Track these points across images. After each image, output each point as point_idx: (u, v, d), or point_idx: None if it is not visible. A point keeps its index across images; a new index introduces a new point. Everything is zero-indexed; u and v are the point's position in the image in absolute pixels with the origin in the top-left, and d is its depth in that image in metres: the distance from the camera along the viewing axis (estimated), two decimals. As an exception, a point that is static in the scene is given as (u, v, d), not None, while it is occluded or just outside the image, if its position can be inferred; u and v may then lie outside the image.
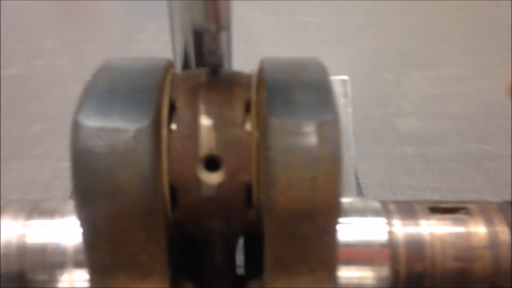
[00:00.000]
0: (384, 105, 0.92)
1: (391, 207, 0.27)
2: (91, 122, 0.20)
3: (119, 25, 1.28)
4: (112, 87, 0.22)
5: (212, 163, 0.21)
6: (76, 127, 0.20)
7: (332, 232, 0.21)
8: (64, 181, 0.75)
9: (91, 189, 0.20)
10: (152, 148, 0.20)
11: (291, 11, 1.43)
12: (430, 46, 1.19)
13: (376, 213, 0.26)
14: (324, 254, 0.22)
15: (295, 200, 0.20)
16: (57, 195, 0.72)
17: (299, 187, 0.20)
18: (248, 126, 0.22)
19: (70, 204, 0.27)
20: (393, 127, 0.85)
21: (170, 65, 0.24)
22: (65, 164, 0.78)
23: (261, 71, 0.23)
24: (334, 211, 0.21)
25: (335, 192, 0.20)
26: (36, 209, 0.26)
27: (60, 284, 0.25)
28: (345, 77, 0.32)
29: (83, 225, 0.21)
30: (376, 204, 0.27)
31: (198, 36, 0.34)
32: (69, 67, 1.09)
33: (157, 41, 1.18)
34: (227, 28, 0.21)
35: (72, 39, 1.21)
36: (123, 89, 0.22)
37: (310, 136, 0.20)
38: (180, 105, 0.22)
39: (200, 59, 0.35)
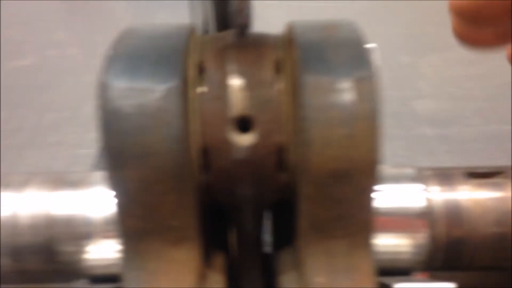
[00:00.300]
0: (402, 87, 0.90)
1: (427, 173, 0.26)
2: (120, 82, 0.20)
3: (129, 15, 1.28)
4: (138, 49, 0.21)
5: (243, 124, 0.21)
6: (104, 87, 0.20)
7: (369, 194, 0.21)
8: (80, 167, 0.75)
9: (121, 151, 0.20)
10: (182, 108, 0.20)
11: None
12: (446, 28, 1.17)
13: (412, 179, 0.25)
14: (361, 217, 0.21)
15: (331, 159, 0.20)
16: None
17: (336, 145, 0.19)
18: (280, 86, 0.21)
19: (94, 176, 0.27)
20: (412, 109, 0.84)
21: (193, 28, 0.24)
22: (81, 151, 0.78)
23: (290, 31, 0.22)
24: (372, 171, 0.20)
25: (373, 150, 0.20)
26: (60, 180, 0.26)
27: (87, 255, 0.25)
28: (373, 45, 0.31)
29: (114, 189, 0.21)
30: (412, 171, 0.26)
31: (219, 5, 0.33)
32: (81, 57, 1.09)
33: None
34: (258, -17, 0.20)
35: (82, 30, 1.21)
36: (149, 51, 0.21)
37: (346, 93, 0.19)
38: (209, 67, 0.21)
39: (220, 29, 0.35)
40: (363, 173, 0.20)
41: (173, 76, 0.20)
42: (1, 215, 0.25)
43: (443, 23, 1.25)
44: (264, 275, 0.28)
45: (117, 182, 0.21)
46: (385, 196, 0.25)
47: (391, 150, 0.74)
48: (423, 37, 1.12)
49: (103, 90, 0.20)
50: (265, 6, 1.33)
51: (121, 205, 0.21)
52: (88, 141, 0.80)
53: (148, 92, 0.19)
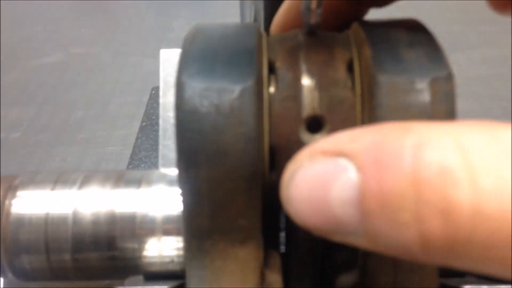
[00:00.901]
0: (427, 87, 0.90)
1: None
2: (196, 82, 0.20)
3: (152, 13, 1.28)
4: (211, 49, 0.21)
5: (314, 124, 0.21)
6: (181, 87, 0.20)
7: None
8: (109, 164, 0.76)
9: (195, 150, 0.20)
10: (256, 108, 0.20)
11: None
12: (471, 27, 1.16)
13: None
14: None
15: None
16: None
17: None
18: (351, 86, 0.21)
19: (155, 174, 0.27)
20: (438, 109, 0.83)
21: (260, 28, 0.24)
22: (109, 149, 0.79)
23: (358, 30, 0.22)
24: None
25: None
26: (122, 178, 0.26)
27: (149, 252, 0.25)
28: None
29: (184, 187, 0.21)
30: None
31: (269, 5, 0.33)
32: (105, 55, 1.10)
33: (191, 28, 1.19)
34: (330, -16, 0.20)
35: (107, 28, 1.21)
36: (222, 51, 0.21)
37: (423, 93, 0.19)
38: (280, 66, 0.21)
39: (269, 26, 0.35)
40: None
41: (248, 76, 0.20)
42: (63, 211, 0.26)
43: (468, 22, 1.24)
44: (316, 275, 0.28)
45: (188, 181, 0.21)
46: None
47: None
48: (448, 36, 1.11)
49: (179, 90, 0.20)
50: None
51: (190, 204, 0.22)
52: (116, 138, 0.81)
53: (224, 92, 0.20)
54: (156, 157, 0.54)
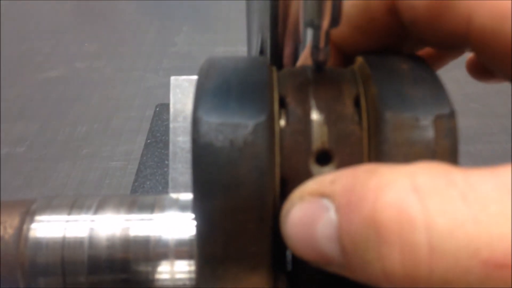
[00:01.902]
0: (426, 103, 0.91)
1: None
2: (211, 118, 0.21)
3: (154, 28, 1.30)
4: (224, 84, 0.23)
5: (323, 157, 0.22)
6: (197, 122, 0.21)
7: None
8: (113, 180, 0.77)
9: (210, 182, 0.21)
10: (269, 142, 0.21)
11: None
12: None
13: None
14: None
15: None
16: (108, 193, 0.73)
17: None
18: (358, 121, 0.22)
19: (167, 199, 0.28)
20: (437, 126, 0.84)
21: (269, 61, 0.25)
22: (113, 164, 0.80)
23: (363, 66, 0.24)
24: None
25: None
26: (135, 203, 0.27)
27: (161, 275, 0.26)
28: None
29: (199, 217, 0.22)
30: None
31: (276, 35, 0.34)
32: (108, 69, 1.11)
33: (193, 43, 1.20)
34: (339, 24, 0.22)
35: (110, 42, 1.23)
36: (235, 86, 0.22)
37: (427, 130, 0.20)
38: (290, 101, 0.23)
39: (276, 58, 0.36)
40: None
41: (261, 111, 0.21)
42: (79, 235, 0.26)
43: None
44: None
45: (203, 210, 0.22)
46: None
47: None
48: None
49: (195, 125, 0.21)
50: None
51: (203, 232, 0.23)
52: (119, 153, 0.82)
53: (239, 127, 0.21)
54: (161, 174, 0.55)
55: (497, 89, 0.97)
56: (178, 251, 0.26)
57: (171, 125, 0.33)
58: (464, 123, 0.85)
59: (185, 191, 0.28)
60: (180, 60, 1.13)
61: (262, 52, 0.36)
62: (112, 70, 1.08)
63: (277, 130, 0.22)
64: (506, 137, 0.82)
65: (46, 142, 0.85)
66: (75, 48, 1.19)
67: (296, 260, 0.29)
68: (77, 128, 0.88)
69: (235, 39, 1.19)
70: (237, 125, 0.21)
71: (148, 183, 0.54)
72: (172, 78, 0.34)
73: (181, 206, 0.27)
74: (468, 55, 0.29)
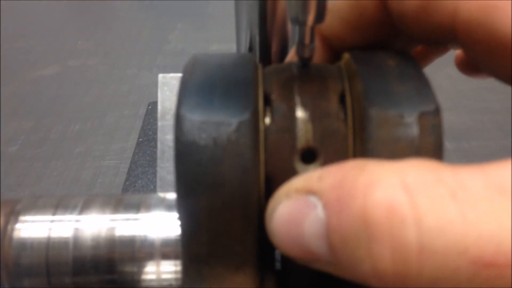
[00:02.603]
0: (420, 100, 0.91)
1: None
2: (194, 115, 0.21)
3: (149, 25, 1.29)
4: (208, 82, 0.22)
5: (308, 155, 0.22)
6: (180, 120, 0.21)
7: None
8: (106, 179, 0.76)
9: (194, 181, 0.21)
10: (253, 140, 0.21)
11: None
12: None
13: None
14: None
15: None
16: (100, 192, 0.73)
17: None
18: (343, 118, 0.22)
19: (153, 198, 0.28)
20: (431, 122, 0.84)
21: (256, 59, 0.25)
22: (106, 163, 0.79)
23: (349, 62, 0.23)
24: None
25: None
26: (121, 203, 0.27)
27: (147, 276, 0.26)
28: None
29: (183, 216, 0.22)
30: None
31: (264, 31, 0.34)
32: (102, 68, 1.10)
33: (188, 40, 1.19)
34: (323, 20, 0.21)
35: (104, 40, 1.22)
36: (219, 83, 0.22)
37: (412, 127, 0.20)
38: (275, 98, 0.22)
39: (264, 55, 0.36)
40: None
41: (245, 109, 0.21)
42: (64, 235, 0.26)
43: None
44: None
45: (187, 209, 0.22)
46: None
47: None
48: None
49: (178, 123, 0.21)
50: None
51: (188, 231, 0.22)
52: (113, 152, 0.81)
53: (222, 125, 0.20)
54: (153, 173, 0.54)
55: (491, 85, 0.97)
56: (164, 251, 0.26)
57: (159, 123, 0.33)
58: (457, 119, 0.85)
59: (173, 190, 0.28)
60: (174, 57, 1.12)
61: (251, 49, 0.36)
62: (105, 68, 1.08)
63: (261, 127, 0.22)
64: (499, 134, 0.82)
65: (39, 140, 0.84)
66: (68, 46, 1.18)
67: (285, 258, 0.28)
68: (70, 127, 0.88)
69: (229, 37, 1.18)
70: (220, 123, 0.21)
71: (139, 182, 0.53)
72: (160, 75, 0.34)
73: (168, 206, 0.27)
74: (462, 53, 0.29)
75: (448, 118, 0.87)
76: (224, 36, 1.19)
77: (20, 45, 1.19)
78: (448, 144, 0.81)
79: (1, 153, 0.82)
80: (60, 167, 0.79)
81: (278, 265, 0.30)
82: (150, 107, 0.68)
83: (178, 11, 1.35)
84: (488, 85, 0.98)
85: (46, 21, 1.31)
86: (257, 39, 0.35)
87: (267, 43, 0.35)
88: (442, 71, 0.99)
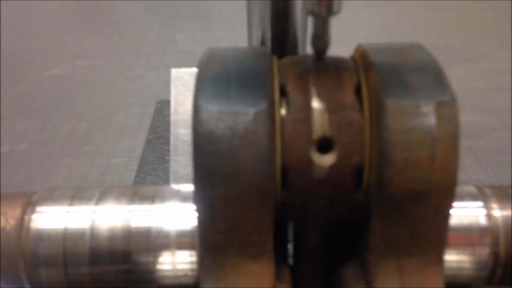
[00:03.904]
0: (427, 99, 0.91)
1: (487, 191, 0.27)
2: (212, 106, 0.21)
3: (156, 25, 1.30)
4: (225, 73, 0.23)
5: (324, 145, 0.22)
6: (198, 110, 0.21)
7: (446, 214, 0.22)
8: (115, 176, 0.76)
9: (211, 170, 0.21)
10: (269, 130, 0.21)
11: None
12: (469, 40, 1.18)
13: (473, 197, 0.26)
14: (435, 235, 0.22)
15: (411, 180, 0.21)
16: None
17: (416, 167, 0.21)
18: (359, 109, 0.22)
19: (168, 190, 0.28)
20: (438, 121, 0.84)
21: (270, 52, 0.25)
22: (114, 161, 0.80)
23: (365, 55, 0.24)
24: (450, 193, 0.21)
25: (453, 173, 0.21)
26: (136, 194, 0.27)
27: (163, 266, 0.26)
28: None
29: (200, 205, 0.22)
30: (472, 188, 0.27)
31: (277, 23, 0.34)
32: (109, 68, 1.11)
33: (194, 40, 1.20)
34: (338, 12, 0.22)
35: (111, 40, 1.23)
36: (236, 74, 0.22)
37: (428, 117, 0.20)
38: (291, 90, 0.23)
39: (276, 52, 0.36)
40: (441, 194, 0.21)
41: (262, 99, 0.21)
42: (81, 226, 0.26)
43: (467, 35, 1.25)
44: (324, 286, 0.29)
45: (204, 199, 0.22)
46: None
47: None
48: (447, 49, 1.12)
49: (196, 113, 0.21)
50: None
51: (205, 220, 0.23)
52: (121, 150, 0.82)
53: (239, 115, 0.21)
54: (163, 170, 0.55)
55: (498, 84, 0.97)
56: (179, 241, 0.26)
57: (172, 118, 0.33)
58: (465, 118, 0.84)
59: (186, 183, 0.28)
60: (181, 57, 1.12)
61: (262, 44, 0.36)
62: (113, 68, 1.08)
63: (277, 118, 0.22)
64: (507, 133, 0.82)
65: (48, 139, 0.85)
66: (76, 46, 1.19)
67: (298, 253, 0.29)
68: (78, 126, 0.88)
69: (236, 36, 1.18)
70: (237, 113, 0.21)
71: (149, 178, 0.54)
72: (173, 70, 0.34)
73: (182, 197, 0.27)
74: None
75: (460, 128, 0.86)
76: (231, 36, 1.19)
77: (28, 45, 1.19)
78: (455, 143, 0.81)
79: (10, 151, 0.83)
80: (69, 166, 0.80)
81: (290, 261, 0.30)
82: (159, 105, 0.68)
83: (185, 11, 1.36)
84: (495, 84, 0.98)
85: (54, 21, 1.32)
86: (269, 35, 0.35)
87: (279, 39, 0.35)
88: (449, 70, 0.99)
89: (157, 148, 0.58)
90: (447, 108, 0.20)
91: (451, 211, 0.22)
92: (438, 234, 0.22)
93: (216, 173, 0.21)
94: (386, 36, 1.25)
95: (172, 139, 0.32)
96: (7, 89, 1.00)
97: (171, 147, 0.32)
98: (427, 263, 0.22)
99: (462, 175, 0.75)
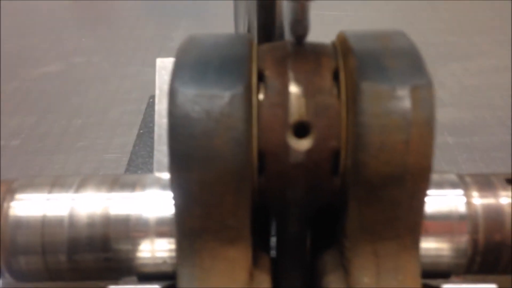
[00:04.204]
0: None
1: (468, 179, 0.27)
2: (188, 89, 0.21)
3: (152, 23, 1.30)
4: (203, 57, 0.22)
5: (301, 130, 0.22)
6: (173, 93, 0.21)
7: (421, 198, 0.22)
8: (107, 171, 0.77)
9: (187, 154, 0.21)
10: (246, 113, 0.21)
11: (322, 6, 1.43)
12: (466, 38, 1.18)
13: (453, 185, 0.26)
14: (411, 220, 0.22)
15: (386, 164, 0.21)
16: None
17: (392, 150, 0.20)
18: (336, 93, 0.22)
19: (149, 178, 0.28)
20: (433, 118, 0.84)
21: (252, 37, 0.25)
22: (108, 156, 0.80)
23: (344, 40, 0.23)
24: (425, 176, 0.21)
25: (428, 156, 0.20)
26: (117, 182, 0.27)
27: (142, 254, 0.26)
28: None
29: (176, 189, 0.22)
30: (453, 177, 0.27)
31: (262, 12, 0.34)
32: (105, 65, 1.11)
33: (191, 37, 1.20)
34: (316, -4, 0.21)
35: (107, 37, 1.23)
36: (214, 59, 0.22)
37: (403, 100, 0.20)
38: (269, 74, 0.22)
39: (262, 36, 0.36)
40: (416, 178, 0.21)
41: (238, 83, 0.21)
42: (60, 214, 0.26)
43: (464, 33, 1.26)
44: (306, 276, 0.29)
45: (179, 184, 0.22)
46: (428, 201, 0.26)
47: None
48: (444, 46, 1.12)
49: (172, 96, 0.21)
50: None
51: (181, 206, 0.22)
52: (115, 146, 0.82)
53: (215, 98, 0.21)
54: (152, 163, 0.54)
55: (493, 82, 0.97)
56: (158, 229, 0.26)
57: (156, 107, 0.33)
58: (460, 115, 0.85)
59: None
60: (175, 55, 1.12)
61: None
62: (109, 65, 1.08)
63: (255, 102, 0.22)
64: (502, 129, 0.82)
65: (42, 135, 0.85)
66: (73, 43, 1.19)
67: (279, 243, 0.28)
68: (72, 122, 0.88)
69: (233, 34, 1.18)
70: (213, 96, 0.21)
71: (139, 172, 0.54)
72: (158, 60, 0.34)
73: (163, 185, 0.27)
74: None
75: (451, 114, 0.87)
76: (227, 34, 1.19)
77: (25, 42, 1.19)
78: (450, 139, 0.81)
79: (4, 146, 0.83)
80: (62, 161, 0.80)
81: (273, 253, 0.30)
82: (151, 100, 0.68)
83: (182, 10, 1.36)
84: (492, 82, 0.98)
85: (51, 19, 1.32)
86: (255, 25, 0.35)
87: (266, 29, 0.35)
88: (445, 67, 0.99)
89: (148, 142, 0.58)
90: (423, 92, 0.20)
91: (428, 196, 0.22)
92: (414, 219, 0.22)
93: (192, 157, 0.21)
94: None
95: (156, 128, 0.32)
96: (4, 85, 1.00)
97: (155, 137, 0.32)
98: (403, 247, 0.22)
99: (454, 171, 0.75)
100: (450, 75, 0.97)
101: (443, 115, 0.86)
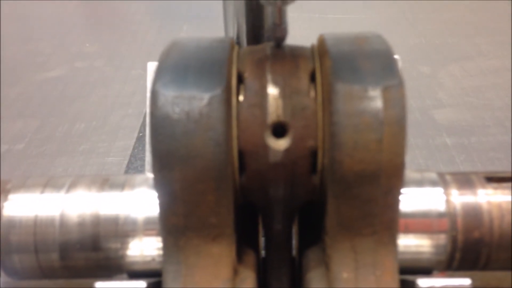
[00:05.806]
0: (422, 97, 0.91)
1: (448, 177, 0.27)
2: (168, 91, 0.22)
3: (155, 28, 1.31)
4: (184, 60, 0.23)
5: (279, 130, 0.22)
6: (154, 95, 0.22)
7: (396, 194, 0.22)
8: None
9: (168, 153, 0.22)
10: (225, 114, 0.22)
11: (324, 9, 1.44)
12: (466, 39, 1.18)
13: (433, 183, 0.27)
14: (387, 216, 0.23)
15: (360, 162, 0.21)
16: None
17: (365, 149, 0.21)
18: (313, 94, 0.23)
19: (138, 178, 0.29)
20: (432, 119, 0.85)
21: (233, 41, 0.26)
22: (110, 159, 0.81)
23: (322, 43, 0.24)
24: (399, 173, 0.22)
25: (400, 154, 0.21)
26: (107, 182, 0.28)
27: (131, 252, 0.27)
28: (396, 56, 0.33)
29: (159, 188, 0.23)
30: (433, 175, 0.27)
31: (251, 16, 0.35)
32: (108, 69, 1.12)
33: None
34: (292, 1, 0.22)
35: (110, 42, 1.24)
36: (195, 62, 0.23)
37: (376, 100, 0.21)
38: (248, 76, 0.23)
39: (251, 38, 0.37)
40: (390, 175, 0.21)
41: (217, 85, 0.22)
42: (51, 214, 0.27)
43: (463, 34, 1.26)
44: (291, 273, 0.29)
45: (162, 182, 0.23)
46: (408, 199, 0.26)
47: (412, 158, 0.75)
48: (443, 47, 1.13)
49: (153, 97, 0.22)
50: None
51: (165, 204, 0.23)
52: (116, 149, 0.83)
53: (194, 100, 0.21)
54: (145, 164, 0.55)
55: (493, 82, 0.97)
56: (146, 228, 0.27)
57: (147, 110, 0.33)
58: (458, 116, 0.85)
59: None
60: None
61: (238, 38, 0.37)
62: (112, 69, 1.10)
63: (234, 103, 0.23)
64: (499, 130, 0.82)
65: (45, 139, 0.86)
66: (76, 48, 1.20)
67: (270, 245, 0.29)
68: (75, 126, 0.89)
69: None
70: (192, 97, 0.22)
71: (138, 174, 0.54)
72: (149, 63, 0.35)
73: (151, 185, 0.28)
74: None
75: (449, 115, 0.87)
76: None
77: (29, 47, 1.21)
78: (448, 140, 0.81)
79: (8, 151, 0.84)
80: (65, 164, 0.81)
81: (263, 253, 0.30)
82: (150, 104, 0.69)
83: (184, 14, 1.37)
84: (490, 82, 0.98)
85: (55, 24, 1.34)
86: (244, 29, 0.36)
87: (254, 33, 0.36)
88: (444, 68, 0.99)
89: (147, 145, 0.59)
90: (394, 92, 0.21)
91: (404, 194, 0.22)
92: (390, 215, 0.22)
93: (173, 156, 0.22)
94: (384, 36, 1.25)
95: (148, 130, 0.33)
96: (7, 90, 1.02)
97: (147, 138, 0.33)
98: (381, 243, 0.23)
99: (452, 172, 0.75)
100: (448, 76, 0.98)
101: (441, 116, 0.86)
